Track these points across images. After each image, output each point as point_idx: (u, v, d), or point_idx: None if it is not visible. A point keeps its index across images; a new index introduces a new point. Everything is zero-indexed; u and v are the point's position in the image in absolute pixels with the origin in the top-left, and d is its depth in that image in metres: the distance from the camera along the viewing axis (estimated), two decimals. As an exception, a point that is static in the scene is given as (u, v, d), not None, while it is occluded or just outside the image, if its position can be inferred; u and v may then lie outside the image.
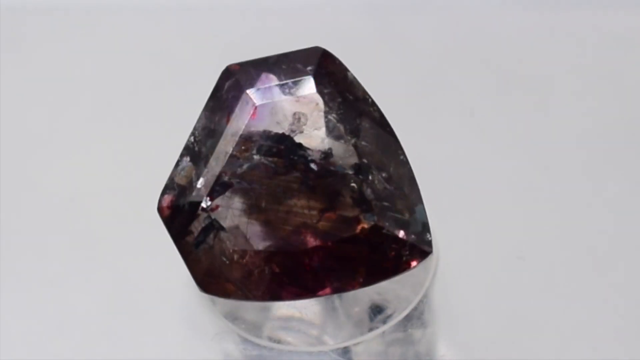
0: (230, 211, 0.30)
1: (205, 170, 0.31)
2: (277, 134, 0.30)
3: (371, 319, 0.34)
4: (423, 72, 0.51)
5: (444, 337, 0.38)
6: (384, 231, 0.30)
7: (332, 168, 0.30)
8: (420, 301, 0.34)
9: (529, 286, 0.42)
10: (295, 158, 0.30)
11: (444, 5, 0.55)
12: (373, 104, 0.30)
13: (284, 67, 0.31)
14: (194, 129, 0.32)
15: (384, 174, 0.30)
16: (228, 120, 0.31)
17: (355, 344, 0.33)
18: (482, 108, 0.50)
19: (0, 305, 0.43)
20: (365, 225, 0.30)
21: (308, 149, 0.30)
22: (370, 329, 0.33)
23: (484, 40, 0.53)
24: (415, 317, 0.33)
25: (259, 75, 0.31)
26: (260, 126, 0.30)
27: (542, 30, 0.54)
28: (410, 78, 0.51)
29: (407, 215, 0.30)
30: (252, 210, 0.30)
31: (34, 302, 0.43)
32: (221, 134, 0.31)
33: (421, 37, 0.53)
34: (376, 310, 0.33)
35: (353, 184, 0.29)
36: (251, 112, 0.30)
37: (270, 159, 0.30)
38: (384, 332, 0.33)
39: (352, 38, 0.54)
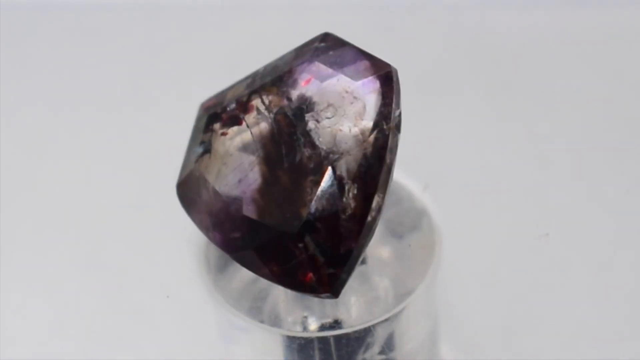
0: (239, 146, 0.30)
1: (242, 98, 0.31)
2: (300, 109, 0.30)
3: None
4: (423, 71, 0.52)
5: (445, 336, 0.38)
6: (300, 244, 0.30)
7: (312, 165, 0.30)
8: (372, 328, 0.33)
9: (531, 286, 0.42)
10: (294, 138, 0.30)
11: (444, 4, 0.55)
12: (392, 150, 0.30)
13: (356, 63, 0.30)
14: (269, 63, 0.32)
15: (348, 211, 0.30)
16: (290, 72, 0.30)
17: None
18: (483, 106, 0.50)
19: (1, 305, 0.43)
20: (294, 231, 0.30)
21: (311, 139, 0.30)
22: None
23: (485, 39, 0.53)
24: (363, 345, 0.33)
25: (344, 56, 0.30)
26: (303, 93, 0.30)
27: (543, 30, 0.54)
28: (411, 77, 0.51)
29: (335, 253, 0.30)
30: (260, 161, 0.30)
31: (34, 301, 0.43)
32: (276, 78, 0.31)
33: (421, 36, 0.54)
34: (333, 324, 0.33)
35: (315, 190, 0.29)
36: (306, 79, 0.30)
37: (279, 122, 0.30)
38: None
39: (353, 37, 0.54)
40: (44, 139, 0.50)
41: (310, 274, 0.30)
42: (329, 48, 0.31)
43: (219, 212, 0.30)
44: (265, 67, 0.32)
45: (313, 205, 0.29)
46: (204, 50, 0.54)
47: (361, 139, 0.29)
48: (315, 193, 0.29)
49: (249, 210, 0.30)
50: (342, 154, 0.29)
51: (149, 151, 0.48)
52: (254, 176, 0.30)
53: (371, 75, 0.30)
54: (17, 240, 0.45)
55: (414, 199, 0.36)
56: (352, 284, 0.32)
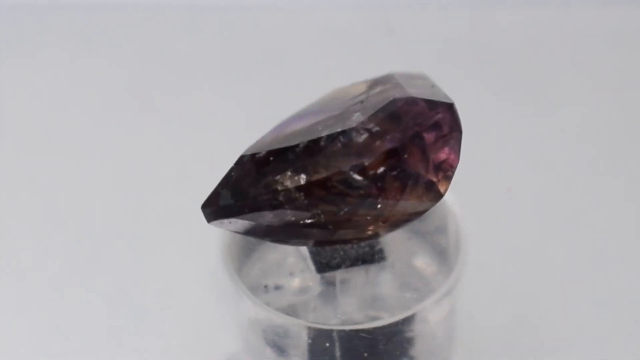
0: (350, 94, 0.34)
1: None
2: (369, 105, 0.32)
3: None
4: (423, 71, 0.51)
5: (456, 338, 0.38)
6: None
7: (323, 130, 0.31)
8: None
9: (532, 286, 0.42)
10: (350, 113, 0.32)
11: (445, 4, 0.55)
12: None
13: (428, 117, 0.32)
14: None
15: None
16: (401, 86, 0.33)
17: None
18: (483, 106, 0.50)
19: (1, 305, 0.43)
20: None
21: (343, 122, 0.31)
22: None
23: (485, 39, 0.53)
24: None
25: (430, 116, 0.32)
26: (389, 99, 0.32)
27: (544, 30, 0.54)
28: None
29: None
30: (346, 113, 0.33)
31: (35, 301, 0.43)
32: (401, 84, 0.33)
33: (422, 36, 0.54)
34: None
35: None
36: (398, 97, 0.32)
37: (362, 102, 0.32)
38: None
39: (353, 36, 0.54)
40: (45, 139, 0.50)
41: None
42: (436, 108, 0.32)
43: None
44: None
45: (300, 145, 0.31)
46: (206, 51, 0.53)
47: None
48: (304, 144, 0.31)
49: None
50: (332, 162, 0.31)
51: (150, 152, 0.48)
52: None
53: (396, 138, 0.31)
54: (17, 240, 0.45)
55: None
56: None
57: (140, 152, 0.48)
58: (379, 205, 0.31)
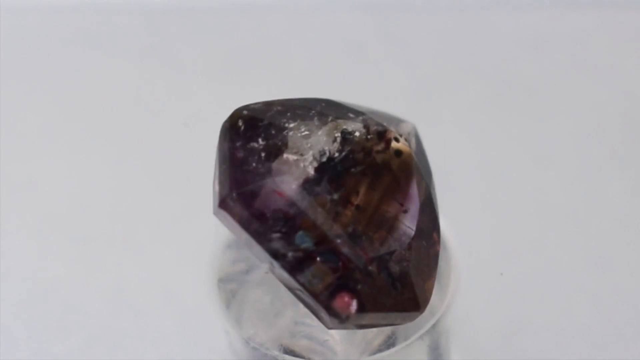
0: None
1: None
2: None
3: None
4: (424, 72, 0.51)
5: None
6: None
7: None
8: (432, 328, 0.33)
9: (531, 286, 0.42)
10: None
11: (445, 6, 0.55)
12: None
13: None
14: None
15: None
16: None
17: None
18: (483, 108, 0.50)
19: (1, 305, 0.43)
20: None
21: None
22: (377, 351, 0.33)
23: (484, 41, 0.53)
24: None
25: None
26: None
27: (543, 31, 0.54)
28: (411, 78, 0.51)
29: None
30: None
31: (35, 302, 0.43)
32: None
33: (422, 37, 0.54)
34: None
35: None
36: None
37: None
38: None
39: (353, 37, 0.54)
40: (45, 139, 0.50)
41: None
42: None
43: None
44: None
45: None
46: (207, 53, 0.54)
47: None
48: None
49: None
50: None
51: (151, 153, 0.48)
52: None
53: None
54: (17, 240, 0.45)
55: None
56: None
57: (140, 153, 0.48)
58: None
